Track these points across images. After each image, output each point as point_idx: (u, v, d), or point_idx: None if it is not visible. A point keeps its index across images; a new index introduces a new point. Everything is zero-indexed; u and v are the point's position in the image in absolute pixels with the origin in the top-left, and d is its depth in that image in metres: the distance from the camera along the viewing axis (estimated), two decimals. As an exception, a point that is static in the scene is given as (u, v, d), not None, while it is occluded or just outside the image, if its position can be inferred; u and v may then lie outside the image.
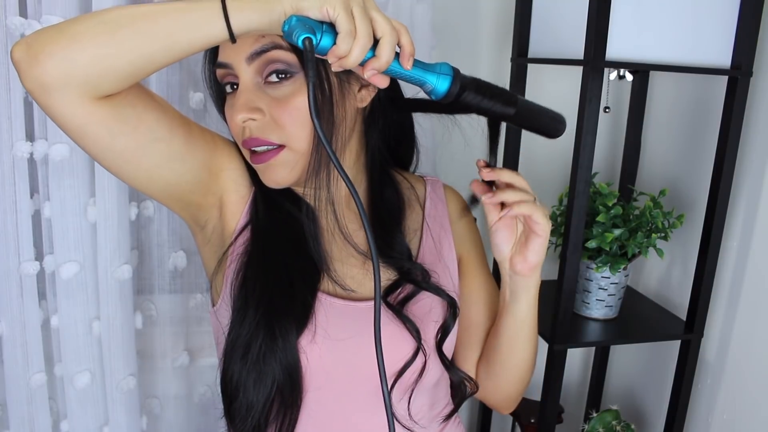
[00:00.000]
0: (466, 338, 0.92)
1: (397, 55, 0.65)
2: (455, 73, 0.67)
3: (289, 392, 0.74)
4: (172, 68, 1.21)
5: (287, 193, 0.82)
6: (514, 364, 0.88)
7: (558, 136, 0.74)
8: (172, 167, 0.72)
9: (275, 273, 0.76)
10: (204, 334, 1.39)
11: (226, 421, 0.78)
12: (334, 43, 0.60)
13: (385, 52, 0.62)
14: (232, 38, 0.61)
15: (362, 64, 0.62)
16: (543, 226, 0.77)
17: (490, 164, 0.77)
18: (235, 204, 0.80)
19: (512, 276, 0.82)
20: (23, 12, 1.08)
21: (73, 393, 1.24)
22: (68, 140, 1.13)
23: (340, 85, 0.73)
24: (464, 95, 0.67)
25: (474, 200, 0.82)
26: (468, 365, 0.92)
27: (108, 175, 1.16)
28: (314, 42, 0.60)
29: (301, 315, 0.75)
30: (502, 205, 0.78)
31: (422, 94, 0.71)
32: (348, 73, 0.72)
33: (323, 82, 0.71)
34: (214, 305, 0.83)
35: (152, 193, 0.75)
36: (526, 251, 0.79)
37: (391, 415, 0.67)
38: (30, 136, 1.13)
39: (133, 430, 1.29)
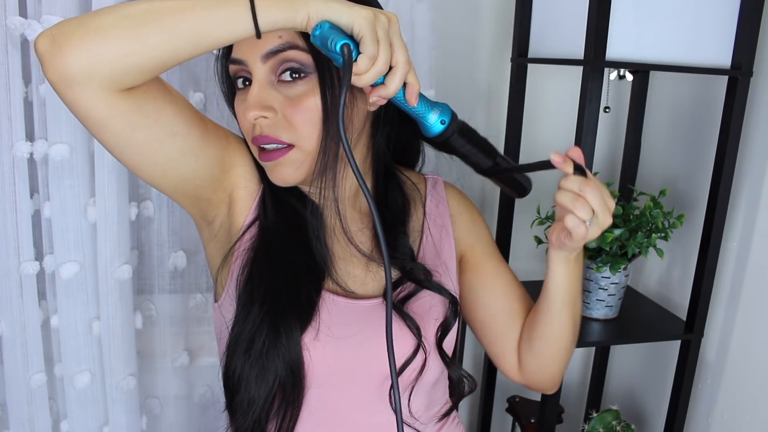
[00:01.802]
0: (497, 326, 0.91)
1: (404, 87, 0.68)
2: (453, 117, 0.71)
3: (290, 389, 0.75)
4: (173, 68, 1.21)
5: (294, 191, 0.82)
6: (554, 337, 0.86)
7: (522, 197, 0.78)
8: (187, 162, 0.72)
9: (281, 270, 0.77)
10: (204, 334, 1.39)
11: (228, 415, 0.78)
12: (355, 59, 0.62)
13: (394, 83, 0.64)
14: (258, 35, 0.62)
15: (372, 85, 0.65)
16: (574, 243, 0.75)
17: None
18: (243, 200, 0.80)
19: (551, 245, 0.80)
20: (23, 12, 1.08)
21: (73, 393, 1.24)
22: (68, 140, 1.13)
23: (352, 89, 0.74)
24: (454, 139, 0.71)
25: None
26: (508, 353, 0.91)
27: (108, 175, 1.16)
28: (353, 48, 0.61)
29: (305, 312, 0.75)
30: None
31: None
32: None
33: (334, 86, 0.72)
34: (217, 300, 0.84)
35: (165, 188, 0.76)
36: (561, 235, 0.77)
37: (399, 411, 0.68)
38: (30, 136, 1.13)
39: (133, 430, 1.29)
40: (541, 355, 0.88)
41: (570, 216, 0.72)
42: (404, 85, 0.67)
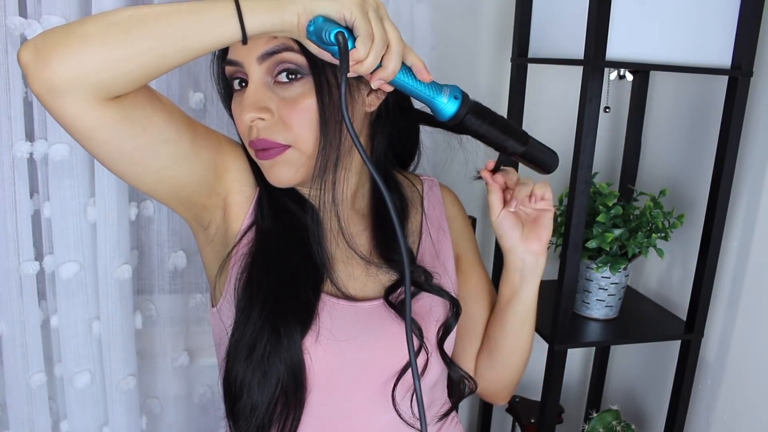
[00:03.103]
0: (467, 333, 0.93)
1: (410, 71, 0.67)
2: (464, 97, 0.69)
3: (293, 392, 0.75)
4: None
5: (291, 194, 0.82)
6: (520, 350, 0.90)
7: (551, 172, 0.79)
8: (179, 169, 0.72)
9: (280, 273, 0.76)
10: (204, 334, 1.39)
11: (230, 422, 0.78)
12: (352, 47, 0.62)
13: (392, 62, 0.63)
14: (245, 40, 0.61)
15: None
16: (550, 200, 0.81)
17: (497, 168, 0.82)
18: (239, 205, 0.80)
19: (525, 259, 0.84)
20: (23, 12, 1.08)
21: (73, 393, 1.24)
22: (68, 140, 1.13)
23: (349, 89, 0.74)
24: (468, 119, 0.69)
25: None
26: (468, 359, 0.94)
27: (108, 175, 1.16)
28: (347, 36, 0.61)
29: (305, 315, 0.75)
30: (505, 201, 0.82)
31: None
32: (358, 78, 0.72)
33: (330, 87, 0.72)
34: (214, 305, 0.83)
35: (158, 195, 0.75)
36: (538, 229, 0.82)
37: (421, 404, 0.68)
38: (30, 136, 1.13)
39: (133, 430, 1.29)
40: (503, 367, 0.91)
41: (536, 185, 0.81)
42: (409, 69, 0.67)
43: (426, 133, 0.96)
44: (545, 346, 1.21)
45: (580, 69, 1.08)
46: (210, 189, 0.77)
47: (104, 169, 1.15)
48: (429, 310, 0.82)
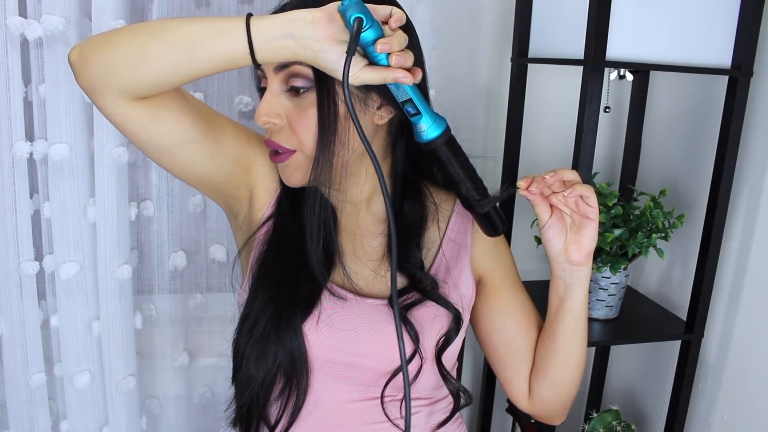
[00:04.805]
0: (513, 351, 0.92)
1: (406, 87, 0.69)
2: (448, 127, 0.73)
3: (291, 373, 0.79)
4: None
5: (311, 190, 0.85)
6: (573, 362, 0.88)
7: (496, 235, 0.80)
8: (203, 164, 0.80)
9: (288, 261, 0.82)
10: (204, 334, 1.39)
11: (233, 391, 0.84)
12: (375, 38, 0.64)
13: (397, 39, 0.66)
14: (251, 50, 0.65)
15: (376, 60, 0.67)
16: (595, 209, 0.79)
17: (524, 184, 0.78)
18: (263, 197, 0.86)
19: (568, 269, 0.83)
20: (23, 12, 1.08)
21: (73, 393, 1.24)
22: (68, 140, 1.13)
23: (359, 101, 0.77)
24: (442, 148, 0.72)
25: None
26: (520, 379, 0.92)
27: (108, 175, 1.16)
28: (364, 24, 0.64)
29: (306, 301, 0.79)
30: (551, 206, 0.80)
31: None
32: (367, 91, 0.76)
33: (331, 97, 0.75)
34: (242, 286, 0.89)
35: (189, 183, 0.83)
36: (581, 239, 0.80)
37: (408, 406, 0.71)
38: (30, 136, 1.14)
39: (133, 430, 1.30)
40: (559, 383, 0.89)
41: (578, 185, 0.76)
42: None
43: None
44: (545, 346, 1.21)
45: (580, 69, 1.08)
46: (237, 181, 0.84)
47: (104, 169, 1.16)
48: (432, 319, 0.83)
